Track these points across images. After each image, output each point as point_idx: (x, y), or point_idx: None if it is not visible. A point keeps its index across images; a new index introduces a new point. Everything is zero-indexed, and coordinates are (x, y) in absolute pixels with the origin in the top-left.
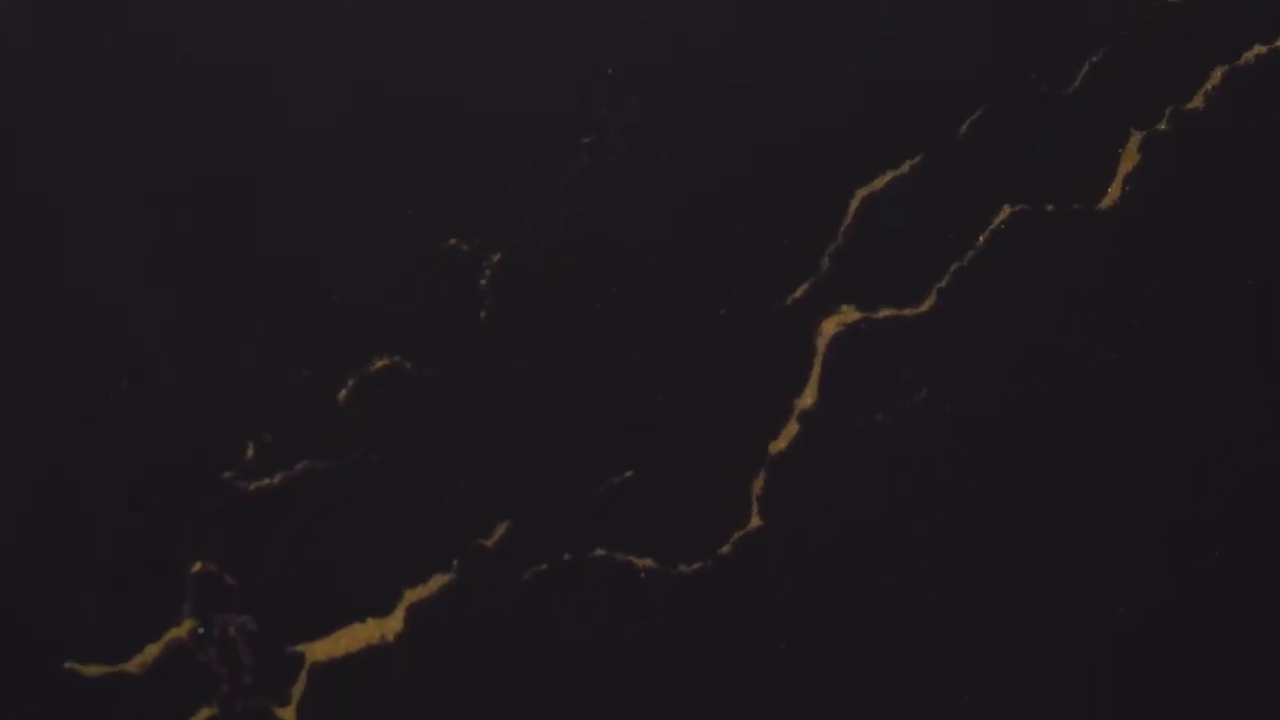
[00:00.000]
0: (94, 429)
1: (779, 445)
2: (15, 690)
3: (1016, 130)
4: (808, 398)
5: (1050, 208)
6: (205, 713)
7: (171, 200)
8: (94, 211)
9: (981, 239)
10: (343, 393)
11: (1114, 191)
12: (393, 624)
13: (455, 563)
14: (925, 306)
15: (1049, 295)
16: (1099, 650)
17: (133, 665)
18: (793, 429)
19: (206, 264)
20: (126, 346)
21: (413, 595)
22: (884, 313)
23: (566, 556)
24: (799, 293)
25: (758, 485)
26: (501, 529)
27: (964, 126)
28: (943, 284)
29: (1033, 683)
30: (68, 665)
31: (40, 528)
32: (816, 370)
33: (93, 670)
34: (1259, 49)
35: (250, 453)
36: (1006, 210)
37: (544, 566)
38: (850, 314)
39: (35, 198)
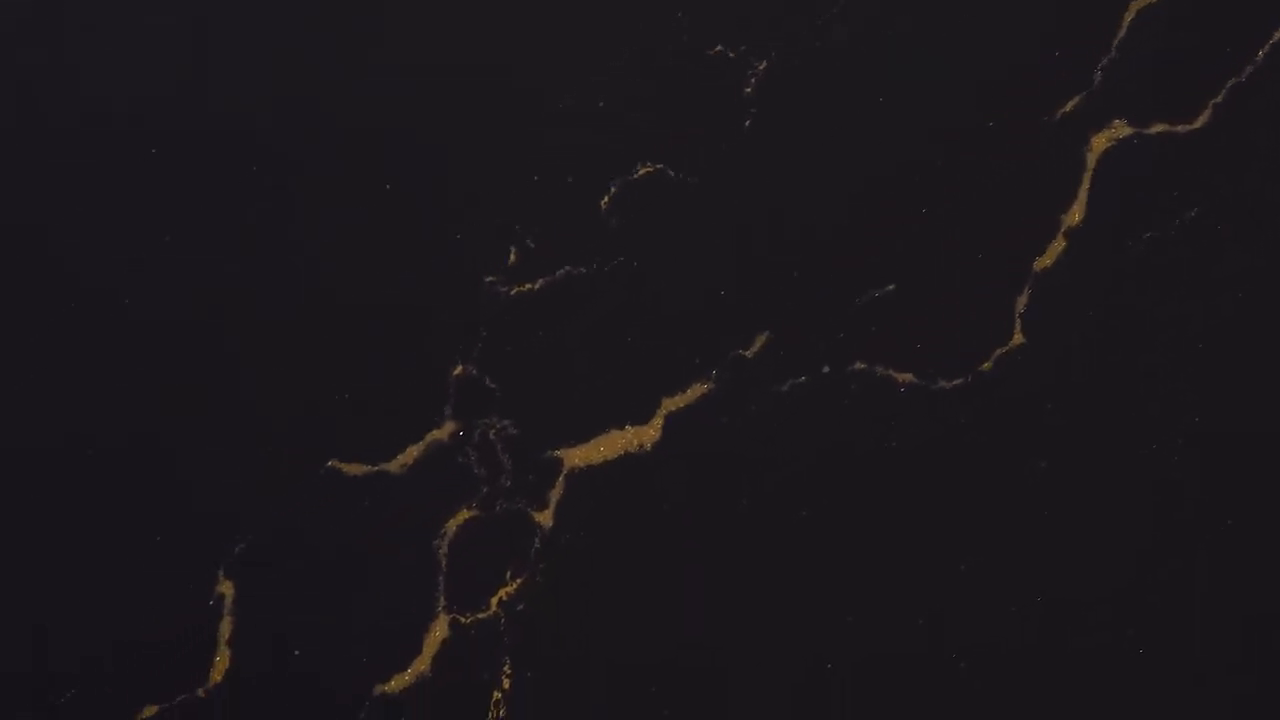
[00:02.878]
0: (357, 247)
1: (1044, 262)
2: (282, 488)
3: None
4: (1075, 214)
5: None
6: (464, 514)
7: None
8: None
9: (1261, 54)
10: (605, 200)
11: None
12: (650, 432)
13: (714, 372)
14: (1199, 123)
15: None
16: None
17: (394, 465)
18: (1059, 246)
19: (485, 74)
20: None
21: (671, 404)
22: (1156, 128)
23: (826, 369)
24: (1069, 106)
25: (1021, 302)
26: (761, 339)
27: None
28: (1218, 99)
29: None
30: (330, 464)
31: (305, 332)
32: (1085, 186)
33: (354, 469)
34: None
35: (513, 257)
36: None
37: (803, 379)
38: (1122, 129)
39: None
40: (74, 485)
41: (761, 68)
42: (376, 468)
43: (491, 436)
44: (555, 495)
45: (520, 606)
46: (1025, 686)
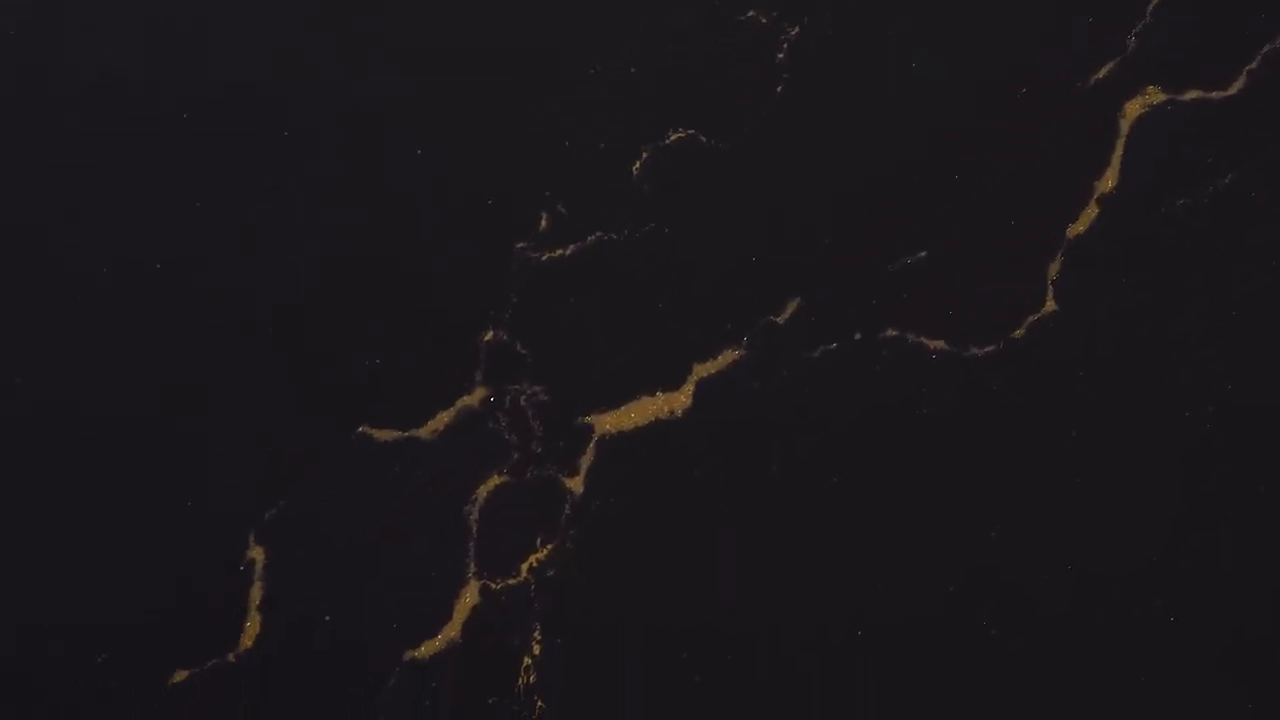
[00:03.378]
0: (389, 213)
1: (1077, 229)
2: (313, 455)
3: None
4: (1109, 181)
5: None
6: (495, 479)
7: None
8: None
9: None
10: (636, 165)
11: None
12: (681, 398)
13: (745, 339)
14: (1233, 89)
15: None
16: None
17: (424, 431)
18: (1092, 213)
19: (519, 39)
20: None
21: (702, 370)
22: (1190, 95)
23: (857, 336)
24: (1103, 73)
25: (1054, 269)
26: (793, 306)
27: None
28: (1253, 65)
29: None
30: (361, 429)
31: (336, 298)
32: (1118, 153)
33: (385, 435)
34: None
35: (544, 224)
36: None
37: (834, 345)
38: (1155, 95)
39: None
40: (107, 453)
41: (794, 33)
42: (407, 434)
43: (522, 402)
44: (586, 461)
45: (551, 572)
46: (1055, 653)
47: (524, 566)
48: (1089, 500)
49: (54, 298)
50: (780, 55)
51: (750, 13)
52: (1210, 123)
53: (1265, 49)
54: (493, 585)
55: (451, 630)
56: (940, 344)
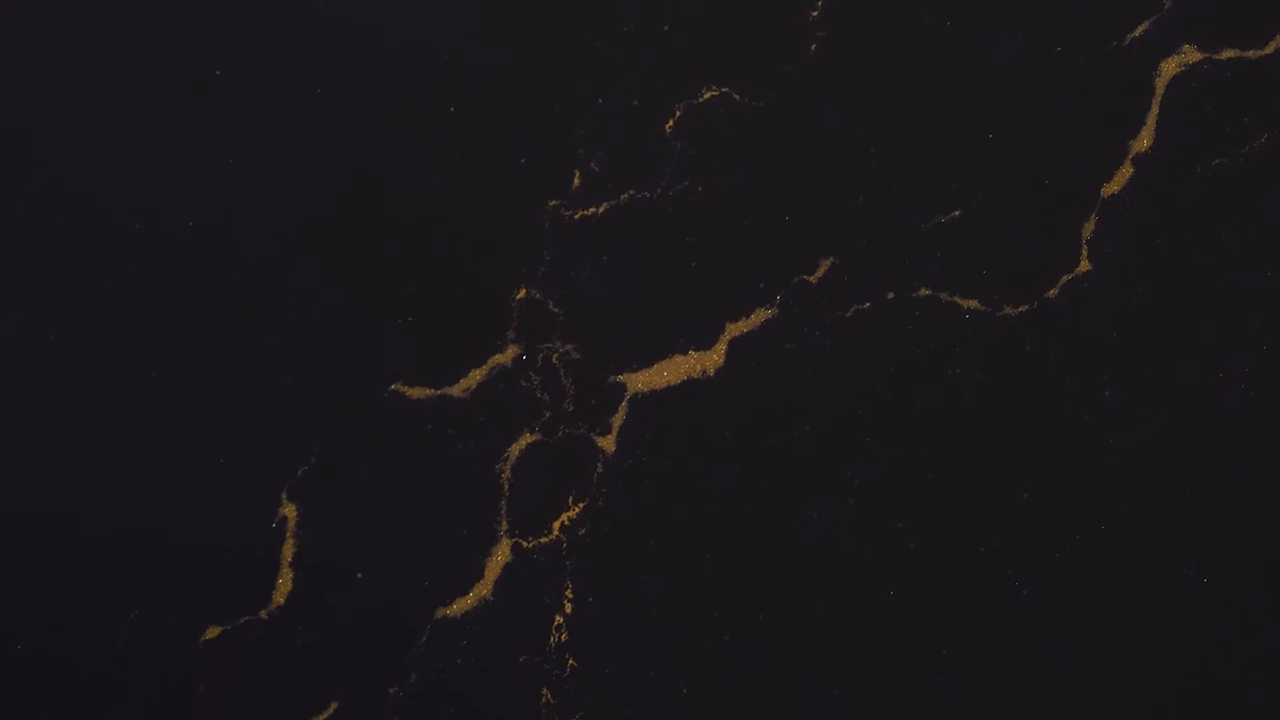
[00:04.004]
0: (419, 169)
1: (1112, 188)
2: (344, 412)
3: None
4: (1144, 140)
5: None
6: (527, 438)
7: None
8: None
9: None
10: (670, 123)
11: None
12: (714, 357)
13: (778, 298)
14: (1271, 48)
15: None
16: None
17: (456, 389)
18: (1127, 172)
19: None
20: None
21: (734, 329)
22: (1227, 54)
23: (890, 295)
24: (1139, 31)
25: (1088, 229)
26: (826, 265)
27: None
28: None
29: None
30: (393, 387)
31: (367, 254)
32: (1154, 112)
33: (417, 393)
34: None
35: (576, 181)
36: None
37: (867, 304)
38: (1192, 54)
39: None
40: (138, 409)
41: None
42: (439, 391)
43: (554, 360)
44: (618, 420)
45: (582, 531)
46: (1089, 615)
47: (556, 525)
48: (1122, 461)
49: (85, 251)
50: (815, 13)
51: None
52: (1247, 82)
53: None
54: (524, 543)
55: (483, 588)
56: (974, 303)
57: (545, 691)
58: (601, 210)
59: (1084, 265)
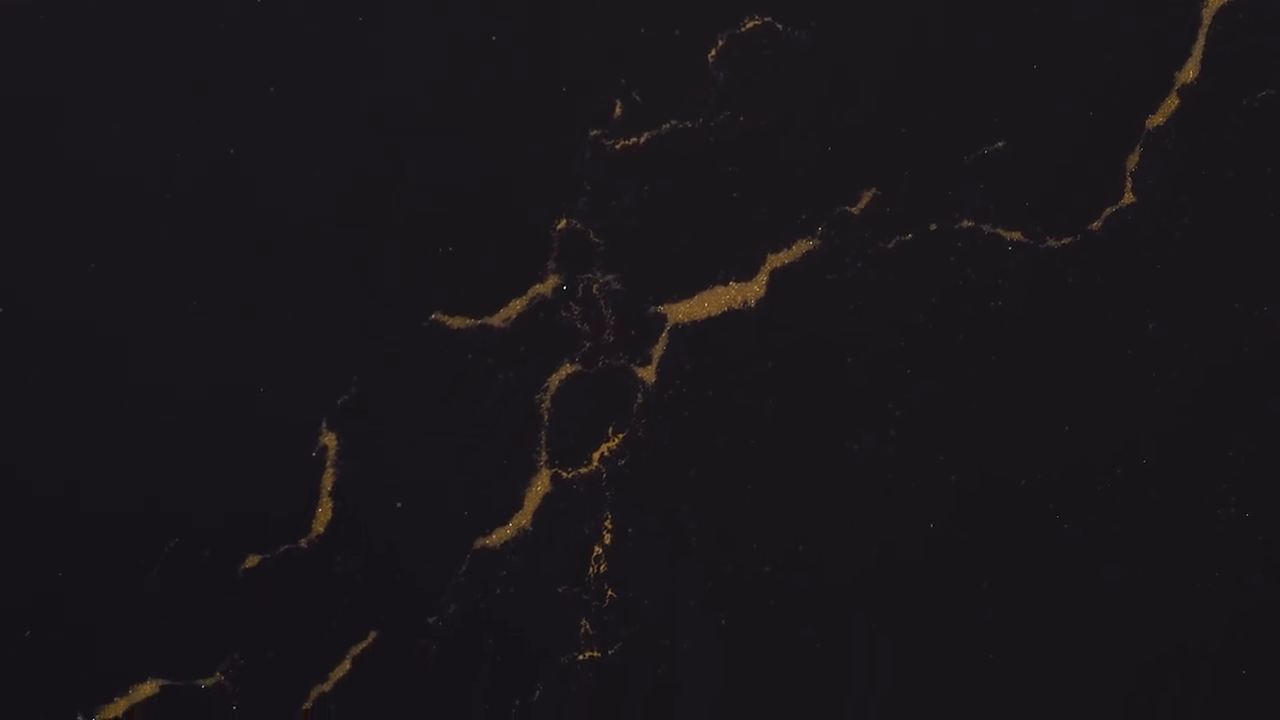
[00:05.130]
0: (461, 100)
1: (1157, 120)
2: (386, 341)
3: None
4: (1190, 72)
5: None
6: (567, 368)
7: None
8: None
9: None
10: (712, 53)
11: None
12: (754, 288)
13: (820, 229)
14: None
15: None
16: None
17: (496, 319)
18: (1172, 104)
19: None
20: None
21: (775, 260)
22: None
23: (933, 227)
24: None
25: (1132, 161)
26: (868, 196)
27: None
28: None
29: None
30: (433, 316)
31: (409, 185)
32: (1200, 43)
33: (457, 323)
34: None
35: (618, 111)
36: None
37: (909, 236)
38: None
39: None
40: (180, 342)
41: None
42: (480, 321)
43: (595, 291)
44: (658, 351)
45: (622, 462)
46: (1130, 548)
47: (595, 455)
48: (1164, 393)
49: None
50: None
51: None
52: None
53: None
54: (564, 474)
55: (522, 519)
56: (1017, 235)
57: (584, 622)
58: (643, 140)
59: (1128, 197)
